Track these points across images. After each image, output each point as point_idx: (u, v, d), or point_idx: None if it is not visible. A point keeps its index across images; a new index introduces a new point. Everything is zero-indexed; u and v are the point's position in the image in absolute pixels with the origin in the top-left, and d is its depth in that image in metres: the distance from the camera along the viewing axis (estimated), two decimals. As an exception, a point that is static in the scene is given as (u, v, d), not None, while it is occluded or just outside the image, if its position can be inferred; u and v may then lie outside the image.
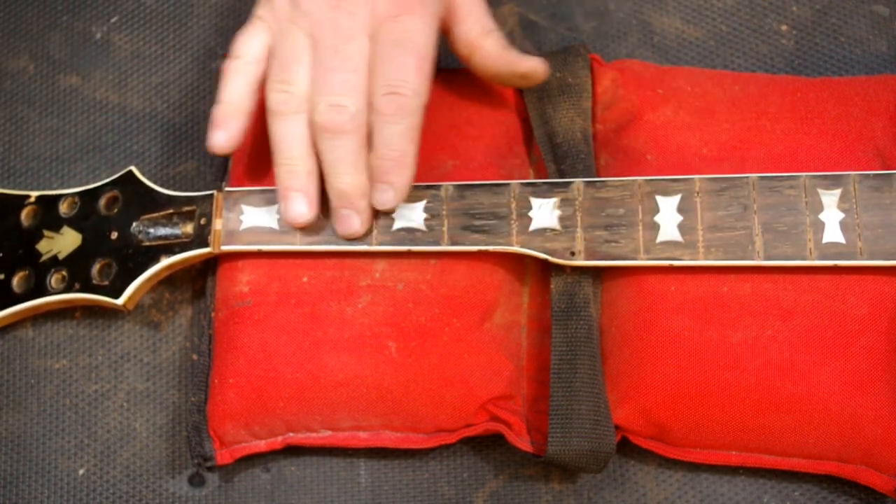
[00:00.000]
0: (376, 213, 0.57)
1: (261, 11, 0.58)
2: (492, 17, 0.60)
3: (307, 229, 0.58)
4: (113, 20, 0.71)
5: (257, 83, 0.57)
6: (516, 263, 0.60)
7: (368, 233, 0.57)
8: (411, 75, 0.54)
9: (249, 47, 0.57)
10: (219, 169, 0.63)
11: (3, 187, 0.67)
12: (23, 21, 0.71)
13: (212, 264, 0.61)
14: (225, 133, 0.57)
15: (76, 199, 0.61)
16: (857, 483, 0.56)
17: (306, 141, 0.55)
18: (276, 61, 0.56)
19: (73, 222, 0.60)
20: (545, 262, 0.57)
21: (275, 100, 0.56)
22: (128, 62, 0.70)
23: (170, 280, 0.64)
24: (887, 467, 0.55)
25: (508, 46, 0.59)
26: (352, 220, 0.56)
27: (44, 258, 0.60)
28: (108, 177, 0.62)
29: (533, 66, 0.59)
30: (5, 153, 0.68)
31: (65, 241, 0.60)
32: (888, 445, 0.54)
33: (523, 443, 0.57)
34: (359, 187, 0.55)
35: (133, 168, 0.61)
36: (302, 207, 0.56)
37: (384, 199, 0.55)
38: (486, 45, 0.59)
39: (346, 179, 0.55)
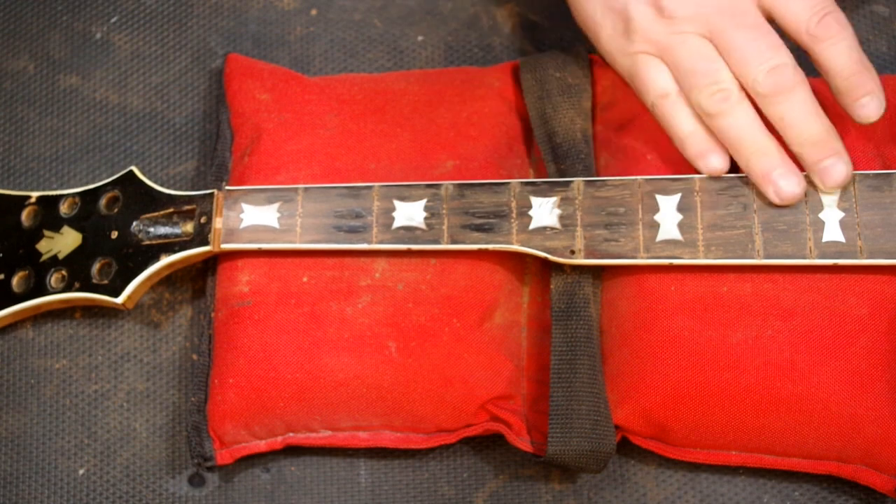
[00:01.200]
0: (377, 213, 0.57)
1: (633, 49, 0.57)
2: None
3: (307, 227, 0.58)
4: (113, 20, 0.71)
5: (691, 109, 0.57)
6: (516, 263, 0.60)
7: (368, 231, 0.57)
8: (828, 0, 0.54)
9: (660, 83, 0.57)
10: (219, 169, 0.63)
11: (4, 187, 0.68)
12: (23, 21, 0.71)
13: (211, 264, 0.61)
14: (722, 158, 0.56)
15: (76, 199, 0.61)
16: (857, 483, 0.56)
17: (759, 122, 0.55)
18: (689, 73, 0.56)
19: (74, 222, 0.60)
20: (545, 261, 0.57)
21: (712, 102, 0.55)
22: (128, 62, 0.70)
23: (170, 280, 0.64)
24: (887, 467, 0.55)
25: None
26: (837, 166, 0.54)
27: (44, 258, 0.60)
28: (108, 177, 0.62)
29: None
30: (5, 153, 0.68)
31: (65, 241, 0.60)
32: (888, 445, 0.54)
33: (523, 443, 0.57)
34: (831, 129, 0.55)
35: (134, 168, 0.61)
36: (793, 182, 0.54)
37: (872, 109, 0.54)
38: None
39: (813, 129, 0.54)
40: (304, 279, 0.58)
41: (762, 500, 0.59)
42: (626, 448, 0.59)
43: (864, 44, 0.66)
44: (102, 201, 0.60)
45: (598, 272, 0.59)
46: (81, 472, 0.62)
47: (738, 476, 0.59)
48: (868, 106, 0.54)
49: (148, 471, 0.62)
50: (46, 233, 0.60)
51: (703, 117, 0.56)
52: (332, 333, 0.57)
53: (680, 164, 0.58)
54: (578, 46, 0.63)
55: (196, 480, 0.61)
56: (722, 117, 0.55)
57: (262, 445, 0.59)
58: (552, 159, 0.60)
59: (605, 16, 0.58)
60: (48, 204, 0.61)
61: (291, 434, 0.59)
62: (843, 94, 0.55)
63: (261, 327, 0.57)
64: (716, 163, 0.56)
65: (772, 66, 0.54)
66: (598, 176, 0.60)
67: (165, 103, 0.69)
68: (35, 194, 0.62)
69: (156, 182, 0.61)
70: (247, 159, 0.62)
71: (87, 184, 0.62)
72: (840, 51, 0.54)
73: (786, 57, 0.54)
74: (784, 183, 0.54)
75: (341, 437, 0.59)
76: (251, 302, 0.58)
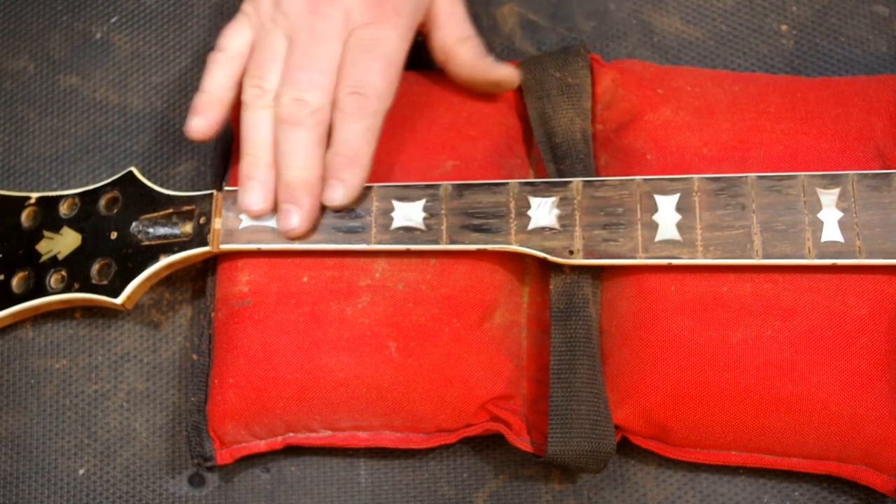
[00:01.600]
0: (376, 213, 0.57)
1: (247, 7, 0.60)
2: (469, 24, 0.62)
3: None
4: (113, 20, 0.71)
5: (238, 76, 0.59)
6: (516, 263, 0.60)
7: (367, 231, 0.57)
8: (376, 79, 0.56)
9: (233, 41, 0.59)
10: (219, 169, 0.63)
11: (4, 187, 0.68)
12: (23, 21, 0.71)
13: (211, 264, 0.61)
14: (203, 120, 0.59)
15: (76, 199, 0.61)
16: (857, 483, 0.56)
17: (271, 135, 0.57)
18: (254, 58, 0.58)
19: (73, 223, 0.60)
20: (545, 261, 0.57)
21: (248, 93, 0.58)
22: (128, 62, 0.70)
23: (170, 280, 0.64)
24: (887, 467, 0.55)
25: (483, 54, 0.61)
26: (290, 216, 0.57)
27: (43, 258, 0.60)
28: (108, 177, 0.62)
29: (506, 75, 0.62)
30: (5, 153, 0.69)
31: (65, 242, 0.60)
32: (888, 445, 0.54)
33: (523, 443, 0.57)
34: (306, 183, 0.56)
35: (133, 168, 0.61)
36: (257, 197, 0.57)
37: (333, 196, 0.56)
38: (461, 52, 0.61)
39: (294, 172, 0.56)
40: (304, 279, 0.58)
41: (762, 500, 0.59)
42: (626, 448, 0.59)
43: (864, 44, 0.66)
44: (102, 202, 0.60)
45: (597, 272, 0.59)
46: (81, 472, 0.62)
47: (738, 476, 0.59)
48: (334, 189, 0.56)
49: (148, 471, 0.62)
50: (46, 233, 0.60)
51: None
52: (332, 333, 0.57)
53: (680, 164, 0.58)
54: (578, 46, 0.63)
55: (196, 480, 0.61)
56: (247, 111, 0.58)
57: (262, 445, 0.59)
58: (552, 159, 0.60)
59: None
60: (48, 205, 0.61)
61: (291, 434, 0.59)
62: (326, 167, 0.57)
63: (261, 327, 0.57)
64: (192, 122, 0.59)
65: (297, 97, 0.56)
66: (597, 176, 0.60)
67: (165, 103, 0.69)
68: (35, 195, 0.62)
69: (156, 182, 0.61)
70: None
71: (87, 184, 0.62)
72: (345, 129, 0.56)
73: (315, 97, 0.56)
74: (249, 194, 0.57)
75: (341, 437, 0.59)
76: (251, 302, 0.58)
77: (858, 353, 0.54)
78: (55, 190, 0.65)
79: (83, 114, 0.69)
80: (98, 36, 0.71)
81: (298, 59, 0.57)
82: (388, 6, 0.57)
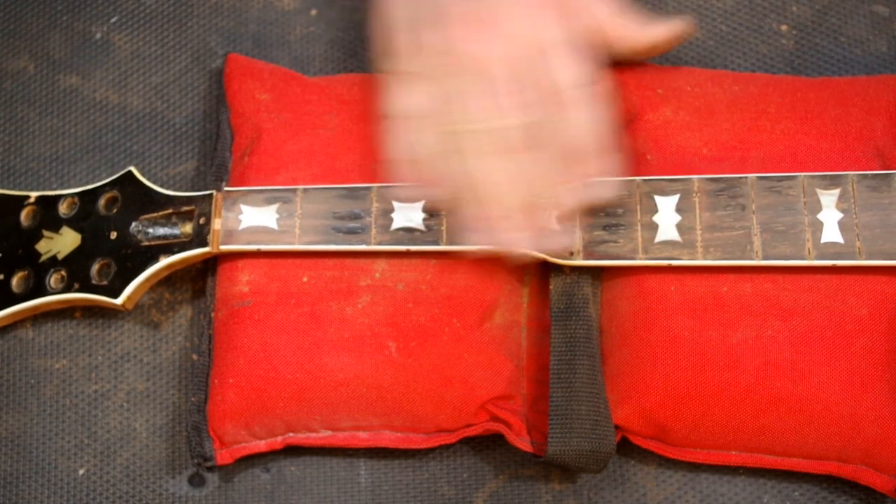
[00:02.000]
0: (376, 214, 0.57)
1: (405, 63, 0.57)
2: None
3: (305, 228, 0.58)
4: (113, 20, 0.71)
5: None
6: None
7: (367, 232, 0.57)
8: (574, 70, 0.54)
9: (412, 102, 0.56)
10: (219, 169, 0.63)
11: (4, 187, 0.68)
12: (23, 21, 0.71)
13: (211, 264, 0.61)
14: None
15: (76, 199, 0.61)
16: (857, 483, 0.56)
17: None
18: (448, 106, 0.55)
19: (73, 222, 0.60)
20: (545, 261, 0.57)
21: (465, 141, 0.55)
22: (128, 62, 0.70)
23: (170, 280, 0.64)
24: (887, 467, 0.55)
25: (640, 19, 0.59)
26: (515, 237, 0.55)
27: (43, 258, 0.60)
28: (108, 177, 0.62)
29: (668, 31, 0.59)
30: (5, 153, 0.69)
31: (64, 242, 0.60)
32: (888, 445, 0.54)
33: (523, 443, 0.57)
34: (524, 204, 0.55)
35: (132, 168, 0.61)
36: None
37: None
38: (622, 25, 0.58)
39: (513, 198, 0.55)
40: (304, 279, 0.58)
41: (762, 500, 0.59)
42: (626, 448, 0.59)
43: (864, 44, 0.66)
44: (101, 202, 0.60)
45: (597, 272, 0.58)
46: (81, 472, 0.62)
47: (738, 476, 0.59)
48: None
49: (148, 471, 0.62)
50: (46, 233, 0.60)
51: None
52: (332, 333, 0.57)
53: (680, 164, 0.58)
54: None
55: (196, 480, 0.61)
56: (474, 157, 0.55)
57: (262, 445, 0.59)
58: (552, 159, 0.60)
59: None
60: (47, 204, 0.61)
61: (291, 434, 0.59)
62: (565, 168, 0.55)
63: (261, 327, 0.57)
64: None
65: (499, 126, 0.54)
66: (597, 176, 0.60)
67: (165, 103, 0.69)
68: (34, 194, 0.62)
69: (156, 182, 0.61)
70: (247, 159, 0.62)
71: (87, 184, 0.62)
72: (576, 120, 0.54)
73: (517, 120, 0.54)
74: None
75: (341, 437, 0.59)
76: (251, 302, 0.58)
77: (858, 353, 0.54)
78: (55, 190, 0.65)
79: (83, 114, 0.69)
80: (98, 36, 0.71)
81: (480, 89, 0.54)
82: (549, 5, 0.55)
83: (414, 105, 0.56)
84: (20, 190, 0.63)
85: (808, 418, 0.54)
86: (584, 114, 0.54)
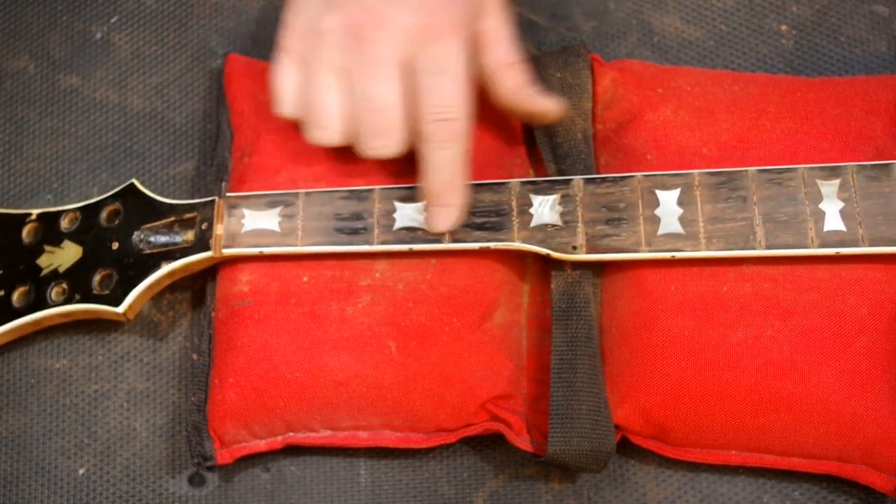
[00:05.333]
0: (378, 214, 0.57)
1: (286, 42, 0.58)
2: (515, 46, 0.60)
3: (308, 231, 0.58)
4: (113, 20, 0.71)
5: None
6: (516, 263, 0.60)
7: (370, 232, 0.57)
8: (456, 99, 0.55)
9: (286, 87, 0.59)
10: (218, 169, 0.63)
11: (4, 187, 0.68)
12: (23, 21, 0.71)
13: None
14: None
15: (77, 213, 0.61)
16: (857, 483, 0.56)
17: None
18: (309, 104, 0.58)
19: (74, 236, 0.60)
20: (545, 261, 0.57)
21: (314, 142, 0.58)
22: (128, 62, 0.70)
23: (170, 280, 0.64)
24: (887, 467, 0.55)
25: (527, 82, 0.59)
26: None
27: (44, 272, 0.59)
28: (108, 177, 0.62)
29: (547, 107, 0.60)
30: (5, 153, 0.68)
31: (65, 255, 0.59)
32: (888, 445, 0.54)
33: (523, 442, 0.57)
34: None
35: (135, 181, 0.61)
36: None
37: (442, 220, 0.56)
38: (506, 77, 0.59)
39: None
40: (304, 279, 0.58)
41: (762, 500, 0.59)
42: (626, 448, 0.59)
43: (864, 44, 0.66)
44: (104, 214, 0.60)
45: (598, 271, 0.59)
46: (81, 472, 0.62)
47: (738, 476, 0.59)
48: (441, 215, 0.56)
49: (148, 471, 0.62)
50: (47, 248, 0.60)
51: None
52: (333, 333, 0.57)
53: (680, 164, 0.58)
54: (578, 46, 0.63)
55: (196, 480, 0.61)
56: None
57: (262, 445, 0.59)
58: (552, 159, 0.60)
59: None
60: (49, 220, 0.61)
61: (291, 434, 0.59)
62: (427, 193, 0.56)
63: (261, 327, 0.57)
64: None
65: (373, 146, 0.56)
66: (598, 176, 0.61)
67: (165, 103, 0.69)
68: (35, 211, 0.61)
69: (156, 182, 0.61)
70: (247, 159, 0.62)
71: (86, 183, 0.62)
72: (441, 157, 0.55)
73: (392, 143, 0.56)
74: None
75: (341, 437, 0.59)
76: (251, 302, 0.58)
77: (858, 353, 0.54)
78: (55, 190, 0.65)
79: (83, 114, 0.69)
80: (98, 36, 0.71)
81: (363, 100, 0.56)
82: (443, 18, 0.55)
83: (285, 92, 0.58)
84: (21, 191, 0.63)
85: (808, 418, 0.54)
86: (453, 150, 0.55)
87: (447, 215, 0.56)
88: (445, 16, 0.55)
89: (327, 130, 0.57)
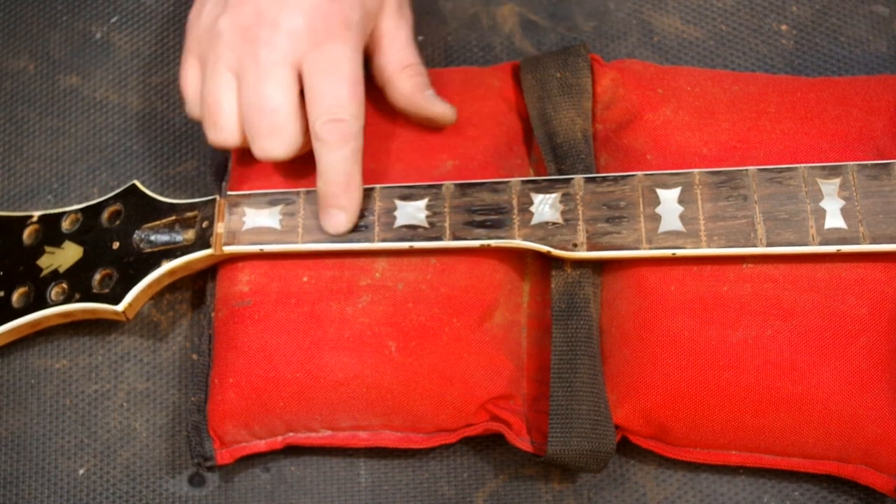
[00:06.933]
0: (379, 213, 0.57)
1: (189, 42, 0.59)
2: (414, 48, 0.61)
3: (309, 229, 0.58)
4: (113, 20, 0.71)
5: None
6: (517, 263, 0.60)
7: (370, 230, 0.57)
8: (347, 100, 0.55)
9: (190, 88, 0.60)
10: (218, 169, 0.63)
11: (4, 187, 0.68)
12: (23, 21, 0.71)
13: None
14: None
15: (78, 215, 0.61)
16: (857, 483, 0.56)
17: None
18: (204, 103, 0.58)
19: (75, 237, 0.60)
20: (545, 261, 0.57)
21: (210, 141, 0.59)
22: (128, 62, 0.70)
23: (170, 280, 0.64)
24: (887, 467, 0.55)
25: (422, 86, 0.60)
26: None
27: (44, 273, 0.59)
28: (108, 177, 0.62)
29: (441, 112, 0.60)
30: (5, 153, 0.68)
31: (66, 255, 0.59)
32: (888, 445, 0.54)
33: (523, 443, 0.57)
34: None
35: (136, 182, 0.61)
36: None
37: (338, 223, 0.57)
38: (400, 80, 0.60)
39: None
40: (304, 279, 0.58)
41: (762, 500, 0.59)
42: (626, 448, 0.59)
43: (864, 44, 0.66)
44: (104, 215, 0.60)
45: (598, 271, 0.59)
46: (81, 472, 0.62)
47: (738, 476, 0.59)
48: (336, 217, 0.57)
49: (148, 471, 0.62)
50: (47, 248, 0.60)
51: None
52: (332, 333, 0.57)
53: (680, 164, 0.58)
54: (578, 46, 0.63)
55: (196, 480, 0.61)
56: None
57: (262, 445, 0.59)
58: (552, 159, 0.60)
59: None
60: (50, 222, 0.61)
61: (291, 434, 0.59)
62: (320, 197, 0.57)
63: (261, 327, 0.57)
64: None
65: (262, 147, 0.57)
66: (598, 175, 0.61)
67: (165, 103, 0.69)
68: (37, 213, 0.61)
69: (156, 182, 0.61)
70: (246, 159, 0.62)
71: (86, 183, 0.62)
72: (332, 158, 0.56)
73: (283, 146, 0.57)
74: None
75: (341, 437, 0.58)
76: (251, 302, 0.58)
77: (858, 353, 0.54)
78: (55, 190, 0.65)
79: (83, 114, 0.69)
80: (98, 36, 0.71)
81: (252, 101, 0.56)
82: (334, 20, 0.56)
83: (190, 92, 0.59)
84: (21, 191, 0.63)
85: (808, 418, 0.54)
86: (344, 150, 0.56)
87: (340, 218, 0.56)
88: (336, 18, 0.56)
89: (224, 131, 0.57)
